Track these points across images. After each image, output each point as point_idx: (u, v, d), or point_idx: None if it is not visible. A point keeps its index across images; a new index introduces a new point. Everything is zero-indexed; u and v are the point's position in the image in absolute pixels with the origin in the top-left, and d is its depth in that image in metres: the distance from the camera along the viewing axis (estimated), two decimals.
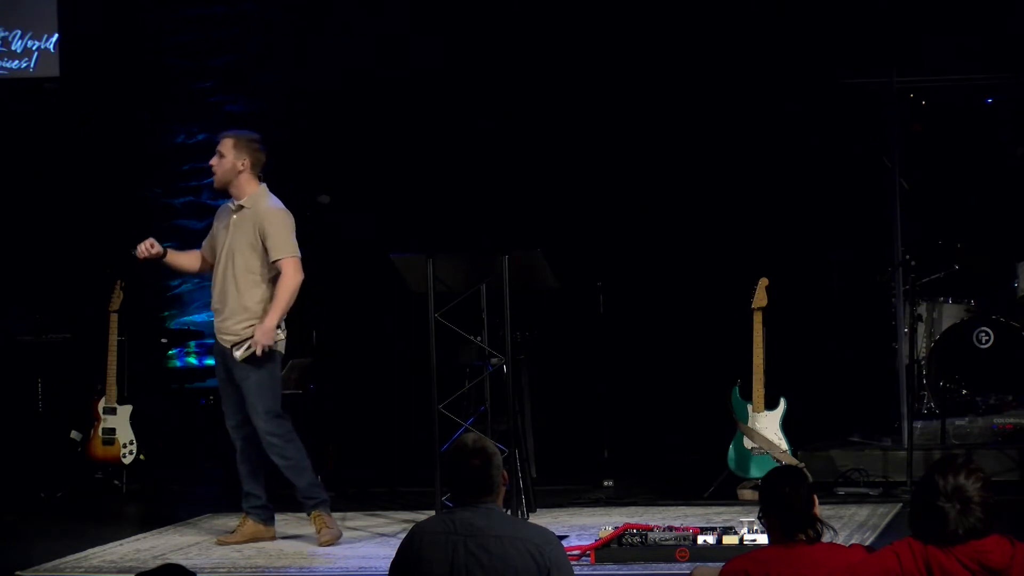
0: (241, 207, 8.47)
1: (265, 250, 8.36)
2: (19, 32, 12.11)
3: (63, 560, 8.27)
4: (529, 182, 11.84)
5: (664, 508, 9.17)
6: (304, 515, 8.66)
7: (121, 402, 10.47)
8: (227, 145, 8.50)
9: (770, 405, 9.51)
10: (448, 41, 12.14)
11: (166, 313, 13.00)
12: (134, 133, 12.93)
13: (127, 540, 8.78)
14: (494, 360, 8.49)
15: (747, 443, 9.46)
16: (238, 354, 8.31)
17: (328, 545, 8.36)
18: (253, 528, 8.55)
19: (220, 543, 8.49)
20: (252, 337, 8.29)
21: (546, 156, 11.90)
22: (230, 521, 9.20)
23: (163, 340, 12.13)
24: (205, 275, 8.91)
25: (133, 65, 12.86)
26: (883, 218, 10.43)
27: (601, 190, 11.88)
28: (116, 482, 10.44)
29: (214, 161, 8.51)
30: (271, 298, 8.35)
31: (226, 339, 8.43)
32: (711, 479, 9.56)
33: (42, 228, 12.44)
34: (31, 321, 11.36)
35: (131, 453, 10.43)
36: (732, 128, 11.65)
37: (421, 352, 8.58)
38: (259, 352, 8.28)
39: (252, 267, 8.39)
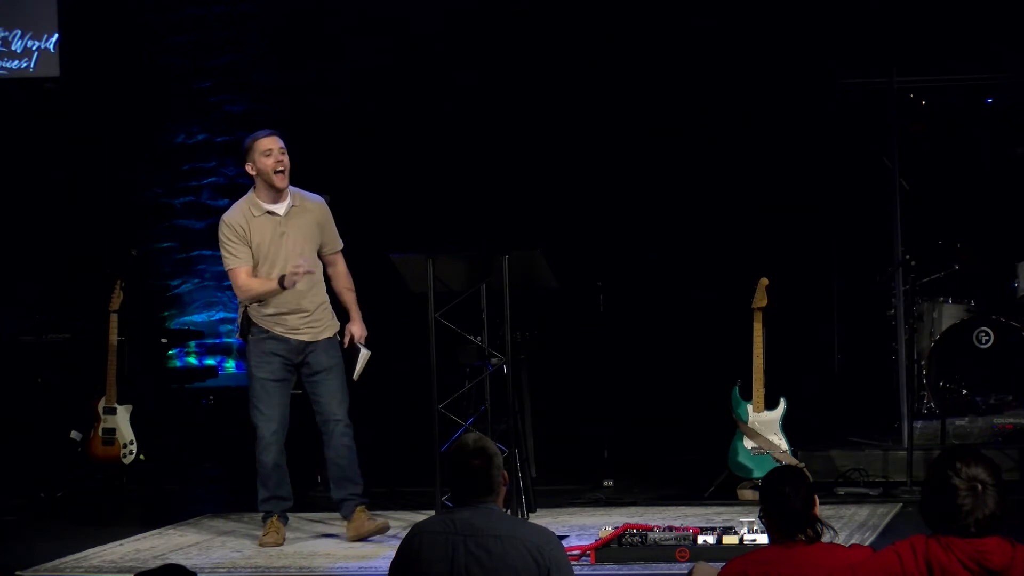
0: (293, 206, 8.50)
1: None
2: (19, 32, 12.12)
3: (63, 560, 8.26)
4: (529, 182, 11.84)
5: (664, 508, 9.17)
6: (300, 516, 8.66)
7: (121, 402, 10.46)
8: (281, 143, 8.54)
9: (770, 405, 9.50)
10: (448, 41, 12.15)
11: (166, 313, 13.00)
12: (134, 133, 12.93)
13: (127, 540, 8.78)
14: (494, 360, 8.49)
15: (747, 443, 9.46)
16: (358, 372, 8.55)
17: (383, 529, 8.44)
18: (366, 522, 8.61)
19: (385, 524, 8.51)
20: (348, 339, 8.57)
21: (546, 156, 11.90)
22: (230, 521, 9.21)
23: (163, 340, 12.12)
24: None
25: (133, 65, 12.87)
26: (883, 218, 10.43)
27: (601, 190, 11.88)
28: (116, 482, 10.43)
29: (285, 159, 8.47)
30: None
31: (314, 331, 8.50)
32: (711, 479, 9.56)
33: (42, 228, 12.44)
34: (31, 321, 11.36)
35: (131, 453, 10.42)
36: (732, 128, 11.65)
37: (421, 352, 8.58)
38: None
39: (317, 260, 8.58)
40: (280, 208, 8.47)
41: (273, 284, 8.34)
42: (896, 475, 9.71)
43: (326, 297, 8.60)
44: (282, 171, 8.43)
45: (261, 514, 8.57)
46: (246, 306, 8.52)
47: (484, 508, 5.01)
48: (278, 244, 8.41)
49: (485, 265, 8.40)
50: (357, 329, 8.61)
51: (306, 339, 8.48)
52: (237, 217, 8.47)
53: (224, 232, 8.47)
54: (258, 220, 8.44)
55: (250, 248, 8.43)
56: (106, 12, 12.71)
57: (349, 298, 8.66)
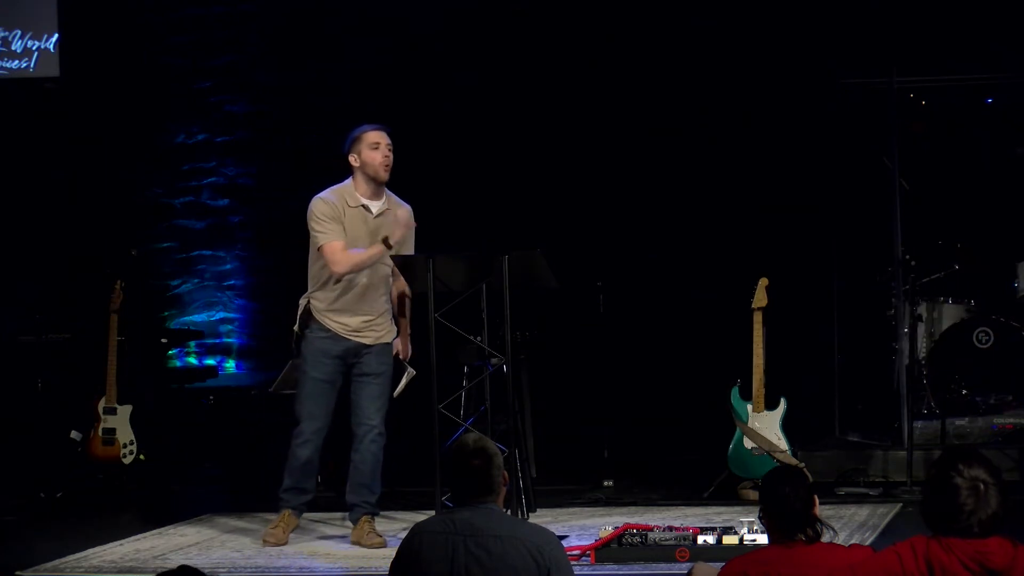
0: (386, 208, 8.41)
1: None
2: (19, 32, 12.12)
3: (63, 560, 8.26)
4: (529, 183, 11.84)
5: (664, 508, 9.17)
6: (302, 516, 8.66)
7: (121, 402, 10.47)
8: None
9: (770, 405, 9.51)
10: (448, 41, 12.15)
11: (166, 313, 13.00)
12: (134, 133, 12.93)
13: (127, 540, 8.78)
14: (494, 360, 8.49)
15: (747, 443, 9.46)
16: (400, 389, 8.55)
17: (379, 547, 8.29)
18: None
19: (378, 544, 8.37)
20: (397, 355, 8.53)
21: (546, 156, 11.90)
22: (230, 521, 9.21)
23: (163, 340, 12.13)
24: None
25: (133, 65, 12.87)
26: (883, 218, 10.43)
27: (601, 190, 11.88)
28: (116, 482, 10.43)
29: (391, 156, 8.40)
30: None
31: (374, 335, 8.45)
32: (711, 479, 9.56)
33: (42, 228, 12.44)
34: (31, 321, 11.36)
35: (131, 453, 10.42)
36: (732, 128, 11.65)
37: (421, 352, 8.58)
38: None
39: (387, 269, 8.47)
40: (374, 206, 8.40)
41: (378, 247, 8.22)
42: (896, 475, 9.71)
43: (390, 304, 8.55)
44: (387, 167, 8.38)
45: (279, 506, 8.57)
46: (309, 299, 8.44)
47: (484, 508, 5.02)
48: (363, 242, 8.32)
49: (485, 265, 8.40)
50: (403, 347, 8.61)
51: (366, 342, 8.45)
52: (334, 199, 8.38)
53: (319, 208, 8.33)
54: (352, 211, 8.36)
55: (343, 227, 8.34)
56: (106, 12, 12.71)
57: (406, 312, 8.61)
